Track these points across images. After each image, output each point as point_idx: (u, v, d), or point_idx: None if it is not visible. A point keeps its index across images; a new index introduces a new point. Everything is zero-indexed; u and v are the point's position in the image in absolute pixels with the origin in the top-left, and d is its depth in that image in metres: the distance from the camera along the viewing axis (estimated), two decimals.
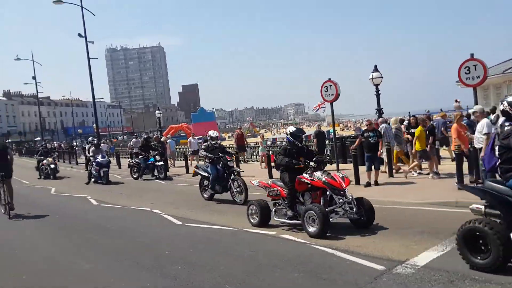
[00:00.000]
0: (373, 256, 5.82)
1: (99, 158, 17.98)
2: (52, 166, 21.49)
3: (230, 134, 66.62)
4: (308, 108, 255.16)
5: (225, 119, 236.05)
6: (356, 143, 12.72)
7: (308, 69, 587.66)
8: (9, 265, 6.87)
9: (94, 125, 34.93)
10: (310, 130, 49.18)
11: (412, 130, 12.42)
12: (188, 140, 24.72)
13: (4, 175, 10.67)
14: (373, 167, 11.63)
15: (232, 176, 11.41)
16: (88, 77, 28.43)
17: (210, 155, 11.64)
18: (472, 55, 9.99)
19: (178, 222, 9.21)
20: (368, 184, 11.56)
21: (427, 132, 11.60)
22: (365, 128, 12.74)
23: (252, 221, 8.19)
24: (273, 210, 8.06)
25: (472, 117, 10.97)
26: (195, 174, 12.51)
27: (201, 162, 17.23)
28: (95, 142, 20.44)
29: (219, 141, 13.15)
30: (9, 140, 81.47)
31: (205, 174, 11.75)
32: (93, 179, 18.02)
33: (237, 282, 5.25)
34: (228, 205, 10.90)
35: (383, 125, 13.80)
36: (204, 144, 13.20)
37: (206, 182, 11.89)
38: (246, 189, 10.72)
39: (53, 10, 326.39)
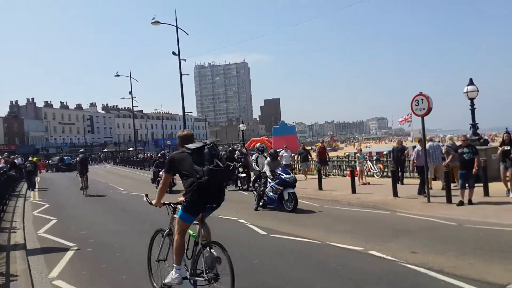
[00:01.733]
0: (470, 278, 5.47)
1: (283, 174, 12.38)
2: (243, 175, 18.64)
3: (309, 148, 66.33)
4: (392, 123, 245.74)
5: (305, 133, 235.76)
6: (449, 159, 12.17)
7: (392, 81, 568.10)
8: (110, 266, 7.44)
9: None
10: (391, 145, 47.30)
11: (507, 147, 11.55)
12: (280, 153, 23.64)
13: (85, 172, 19.53)
14: (467, 185, 10.98)
15: None
16: (178, 92, 30.10)
17: None
18: None
19: (263, 232, 9.37)
20: (461, 203, 10.90)
21: None
22: (460, 144, 11.98)
23: None
24: None
25: None
26: None
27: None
28: (272, 151, 13.90)
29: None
30: (105, 150, 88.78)
31: None
32: (261, 203, 12.82)
33: None
34: (311, 218, 10.86)
35: (429, 143, 13.95)
36: None
37: None
38: None
39: (149, 30, 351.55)
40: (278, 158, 14.42)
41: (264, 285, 5.81)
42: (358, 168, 17.93)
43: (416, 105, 12.14)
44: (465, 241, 7.54)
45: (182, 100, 30.00)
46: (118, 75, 50.01)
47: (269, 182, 12.62)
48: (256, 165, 14.41)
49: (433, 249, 7.05)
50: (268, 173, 12.76)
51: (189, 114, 78.08)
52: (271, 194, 12.46)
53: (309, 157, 23.33)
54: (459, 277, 5.56)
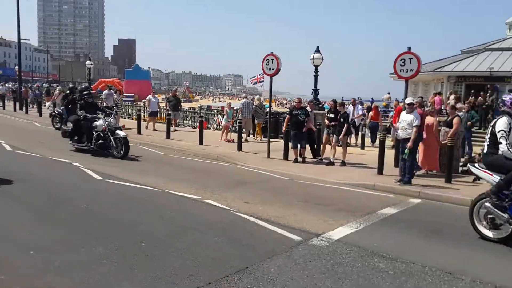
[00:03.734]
0: (292, 227, 5.97)
1: None
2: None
3: (163, 96, 64.82)
4: (247, 81, 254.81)
5: (160, 80, 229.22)
6: (285, 122, 12.44)
7: (251, 42, 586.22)
8: None
9: (17, 67, 32.21)
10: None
11: (331, 115, 12.10)
12: (147, 98, 19.87)
13: None
14: (299, 144, 11.82)
15: None
16: (15, 15, 25.95)
17: None
18: (409, 48, 10.38)
19: (98, 177, 8.82)
20: (295, 161, 11.80)
21: (342, 119, 11.53)
22: (294, 106, 12.69)
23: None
24: None
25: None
26: None
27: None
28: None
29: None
30: None
31: None
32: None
33: (155, 241, 5.14)
34: (154, 166, 10.62)
35: (243, 100, 17.28)
36: None
37: None
38: None
39: None
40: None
41: (87, 230, 5.46)
42: (224, 124, 16.97)
43: (266, 64, 12.54)
44: (293, 194, 8.21)
45: (18, 24, 25.98)
46: None
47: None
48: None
49: (264, 200, 7.52)
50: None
51: (26, 41, 68.15)
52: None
53: (179, 106, 21.60)
54: (282, 225, 6.02)
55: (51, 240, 5.12)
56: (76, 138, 12.32)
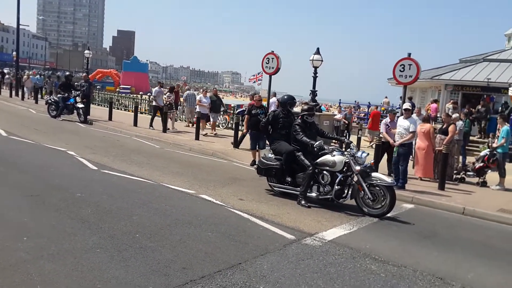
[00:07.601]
0: (286, 226, 6.00)
1: None
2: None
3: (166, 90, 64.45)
4: (244, 79, 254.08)
5: (158, 74, 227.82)
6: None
7: (250, 41, 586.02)
8: None
9: (14, 53, 31.98)
10: (244, 101, 50.22)
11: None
12: (199, 97, 17.92)
13: None
14: (258, 146, 10.80)
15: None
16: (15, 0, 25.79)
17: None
18: (409, 54, 10.45)
19: (93, 167, 8.80)
20: (253, 163, 10.73)
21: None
22: (253, 105, 11.38)
23: None
24: None
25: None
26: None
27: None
28: None
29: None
30: None
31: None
32: None
33: (148, 233, 5.15)
34: (147, 158, 10.60)
35: (187, 92, 19.41)
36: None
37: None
38: None
39: None
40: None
41: (81, 219, 5.45)
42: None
43: (266, 63, 12.59)
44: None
45: (17, 8, 25.81)
46: None
47: None
48: None
49: (259, 198, 7.54)
50: None
51: (25, 27, 67.59)
52: None
53: (222, 106, 19.23)
54: (276, 224, 6.05)
55: (45, 227, 5.11)
56: (289, 179, 7.92)
